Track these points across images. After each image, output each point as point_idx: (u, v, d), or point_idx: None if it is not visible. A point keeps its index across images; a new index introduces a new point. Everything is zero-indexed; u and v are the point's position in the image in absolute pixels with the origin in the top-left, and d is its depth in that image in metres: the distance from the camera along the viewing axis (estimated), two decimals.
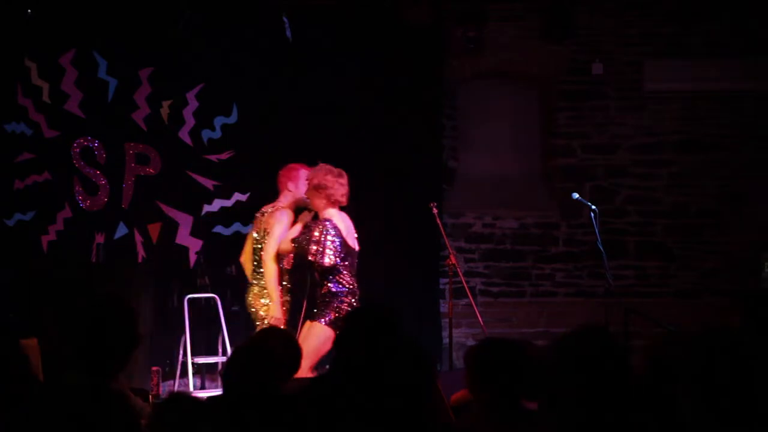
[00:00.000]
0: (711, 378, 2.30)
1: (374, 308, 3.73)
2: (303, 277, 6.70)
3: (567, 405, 2.69)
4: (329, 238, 6.25)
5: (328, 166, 6.48)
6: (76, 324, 2.80)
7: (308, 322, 6.43)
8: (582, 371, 2.74)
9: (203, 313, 8.03)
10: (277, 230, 6.57)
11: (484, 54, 8.96)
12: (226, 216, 8.37)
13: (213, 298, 8.00)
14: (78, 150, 8.17)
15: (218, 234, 8.36)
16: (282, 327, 6.27)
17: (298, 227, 6.54)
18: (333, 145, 8.50)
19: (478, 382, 3.45)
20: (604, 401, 2.66)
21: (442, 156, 9.04)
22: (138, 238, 8.23)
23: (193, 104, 8.32)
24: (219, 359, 7.90)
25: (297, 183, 6.71)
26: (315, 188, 6.39)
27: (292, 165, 6.83)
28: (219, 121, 8.38)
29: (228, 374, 3.58)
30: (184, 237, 8.30)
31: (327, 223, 6.30)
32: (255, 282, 6.74)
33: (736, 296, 7.64)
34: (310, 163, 6.72)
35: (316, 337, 6.25)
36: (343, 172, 6.47)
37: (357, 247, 6.54)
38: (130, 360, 2.77)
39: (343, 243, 6.34)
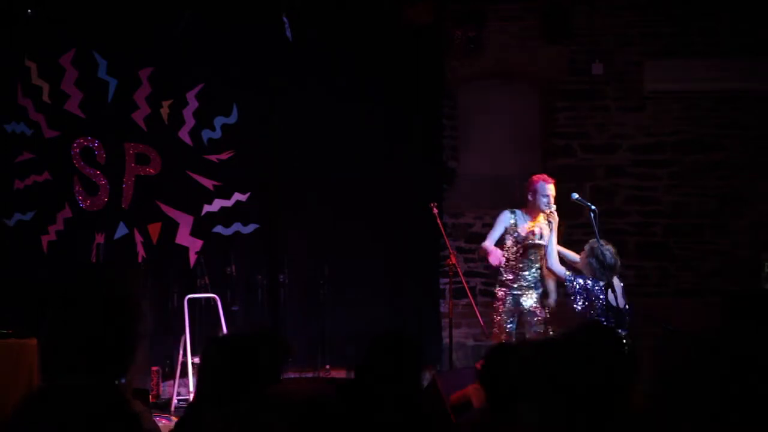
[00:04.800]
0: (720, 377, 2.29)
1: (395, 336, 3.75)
2: None
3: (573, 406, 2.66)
4: None
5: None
6: (78, 322, 2.77)
7: None
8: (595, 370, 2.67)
9: (203, 313, 8.02)
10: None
11: (484, 54, 8.96)
12: (226, 216, 8.37)
13: (213, 298, 8.00)
14: (78, 150, 8.17)
15: (218, 234, 8.37)
16: None
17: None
18: (333, 145, 8.52)
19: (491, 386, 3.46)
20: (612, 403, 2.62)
21: (442, 156, 9.04)
22: (138, 238, 8.23)
23: (193, 104, 8.32)
24: None
25: (533, 193, 7.19)
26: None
27: (533, 176, 7.31)
28: (219, 121, 8.39)
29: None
30: (184, 237, 8.30)
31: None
32: None
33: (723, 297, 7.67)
34: None
35: None
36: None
37: None
38: (132, 361, 2.74)
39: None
